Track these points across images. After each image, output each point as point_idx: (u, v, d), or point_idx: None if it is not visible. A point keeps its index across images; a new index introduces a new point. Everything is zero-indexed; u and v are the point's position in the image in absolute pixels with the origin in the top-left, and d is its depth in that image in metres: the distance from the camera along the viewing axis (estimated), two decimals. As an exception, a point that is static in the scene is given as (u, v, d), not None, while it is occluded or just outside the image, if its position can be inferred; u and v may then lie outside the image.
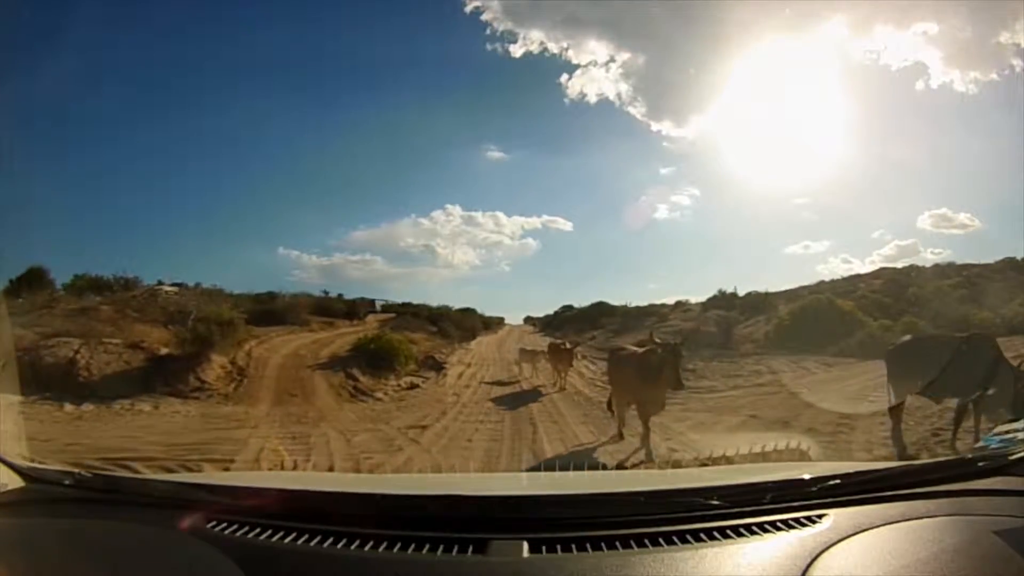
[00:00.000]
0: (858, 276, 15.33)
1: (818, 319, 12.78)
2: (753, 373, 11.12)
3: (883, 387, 9.19)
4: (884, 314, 13.42)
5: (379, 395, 9.90)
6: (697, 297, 15.29)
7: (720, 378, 10.75)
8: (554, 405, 9.33)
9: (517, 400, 9.72)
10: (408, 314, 14.60)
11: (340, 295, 14.68)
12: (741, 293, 15.03)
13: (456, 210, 14.02)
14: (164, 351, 10.59)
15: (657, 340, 7.03)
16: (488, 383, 11.05)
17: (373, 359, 11.00)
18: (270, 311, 13.18)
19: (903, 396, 6.87)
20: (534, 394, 10.22)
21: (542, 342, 13.76)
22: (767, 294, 14.81)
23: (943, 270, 14.92)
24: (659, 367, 6.45)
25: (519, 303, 17.07)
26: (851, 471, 1.79)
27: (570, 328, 15.40)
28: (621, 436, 7.32)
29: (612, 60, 13.18)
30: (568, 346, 11.05)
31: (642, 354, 6.93)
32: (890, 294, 14.40)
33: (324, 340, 12.25)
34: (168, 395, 9.74)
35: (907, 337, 7.70)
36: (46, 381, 9.53)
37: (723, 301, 15.17)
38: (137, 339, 10.92)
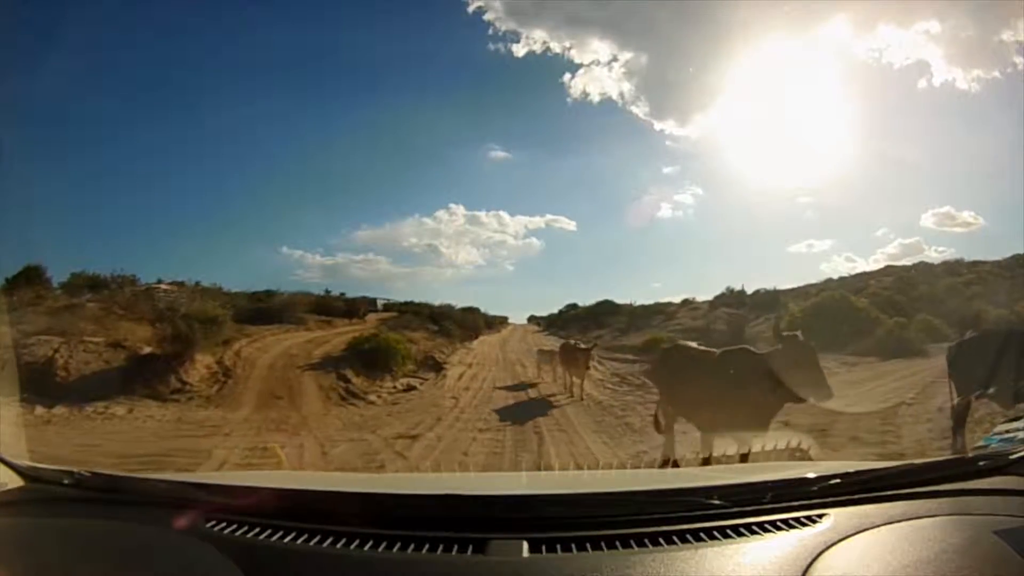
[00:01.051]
0: (867, 274, 14.55)
1: (833, 317, 11.80)
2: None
3: (918, 388, 8.14)
4: (897, 312, 12.82)
5: (372, 398, 8.66)
6: (701, 296, 14.67)
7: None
8: (562, 411, 8.00)
9: (520, 404, 8.43)
10: (409, 312, 13.70)
11: (343, 294, 13.81)
12: (749, 291, 14.21)
13: (460, 209, 13.33)
14: (147, 350, 9.42)
15: (786, 333, 4.74)
16: (490, 385, 9.75)
17: (368, 359, 9.84)
18: (265, 309, 12.15)
19: (968, 399, 5.65)
20: (539, 397, 8.88)
21: (547, 341, 12.86)
22: (776, 292, 13.95)
23: (952, 267, 14.18)
24: (772, 372, 4.22)
25: (523, 302, 16.54)
26: (851, 471, 1.65)
27: (574, 327, 14.53)
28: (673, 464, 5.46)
29: (615, 59, 12.50)
30: (584, 346, 9.38)
31: (735, 355, 4.71)
32: (902, 291, 13.62)
33: (319, 339, 11.10)
34: (147, 397, 8.64)
35: (972, 332, 6.39)
36: (22, 382, 8.37)
37: (731, 299, 14.31)
38: (120, 338, 9.77)
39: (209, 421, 7.48)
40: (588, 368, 9.02)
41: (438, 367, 10.58)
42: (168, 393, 8.70)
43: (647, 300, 14.68)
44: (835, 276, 14.12)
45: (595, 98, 12.51)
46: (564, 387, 9.32)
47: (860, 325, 11.54)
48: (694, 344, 5.71)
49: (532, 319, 16.31)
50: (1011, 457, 1.69)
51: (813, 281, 14.09)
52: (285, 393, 8.49)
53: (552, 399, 8.73)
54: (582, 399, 8.65)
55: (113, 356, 9.44)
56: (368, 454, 5.81)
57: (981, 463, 1.71)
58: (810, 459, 3.94)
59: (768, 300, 13.73)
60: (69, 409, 8.16)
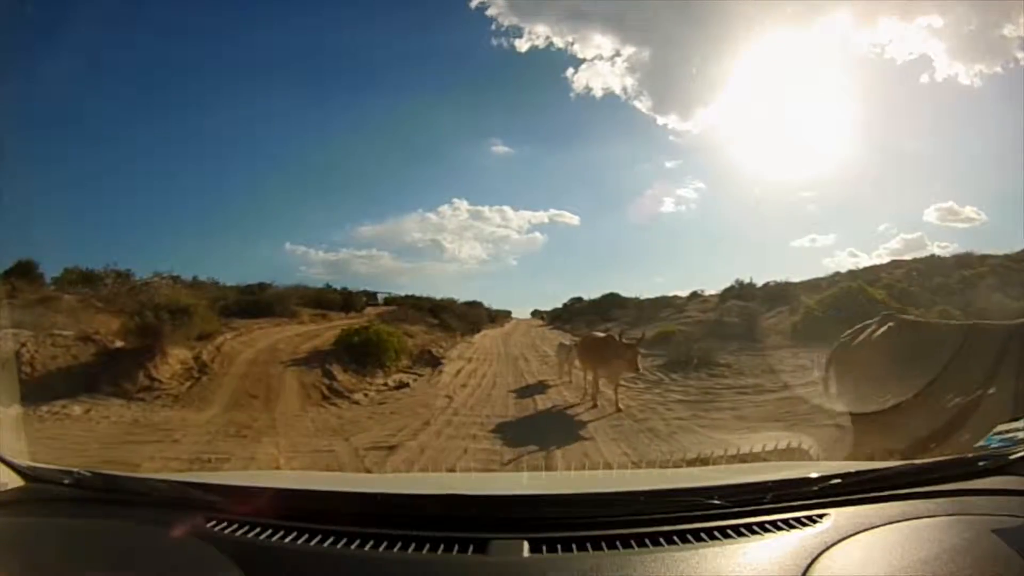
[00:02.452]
0: (878, 267, 13.29)
1: (851, 309, 10.84)
2: (797, 369, 8.44)
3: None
4: (912, 304, 11.35)
5: (357, 396, 7.23)
6: (704, 290, 13.69)
7: (762, 374, 7.99)
8: (572, 414, 6.47)
9: (522, 405, 6.89)
10: (409, 306, 12.57)
11: (345, 289, 12.78)
12: (758, 284, 13.08)
13: (463, 204, 12.39)
14: (118, 344, 8.05)
15: None
16: (489, 382, 8.20)
17: (358, 354, 8.45)
18: (257, 302, 10.85)
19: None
20: (545, 396, 7.31)
21: (551, 335, 11.48)
22: (787, 284, 12.82)
23: (963, 260, 12.86)
24: None
25: (526, 297, 16.02)
26: (852, 470, 1.55)
27: (580, 321, 13.29)
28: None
29: (617, 54, 11.67)
30: (625, 339, 6.67)
31: None
32: (915, 284, 12.35)
33: (310, 333, 9.74)
34: (112, 395, 7.33)
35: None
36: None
37: (741, 292, 13.07)
38: (92, 331, 8.40)
39: (168, 423, 6.10)
40: (638, 369, 6.39)
41: (435, 362, 9.17)
42: (135, 391, 7.36)
43: (650, 294, 13.67)
44: (842, 270, 13.09)
45: (598, 93, 11.71)
46: (586, 393, 7.08)
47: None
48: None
49: (536, 313, 15.41)
50: (1011, 457, 1.57)
51: (818, 275, 13.06)
52: (262, 392, 7.08)
53: (562, 400, 7.11)
54: (618, 409, 6.43)
55: (82, 351, 8.10)
56: (332, 469, 4.32)
57: (981, 463, 1.58)
58: (810, 459, 3.67)
59: (779, 293, 12.56)
60: (24, 409, 6.77)
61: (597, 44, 11.66)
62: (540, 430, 5.56)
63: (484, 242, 12.46)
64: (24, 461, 1.64)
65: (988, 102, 10.70)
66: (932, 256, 13.02)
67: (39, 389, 7.19)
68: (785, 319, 11.26)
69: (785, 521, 1.33)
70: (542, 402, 6.91)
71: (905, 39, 10.71)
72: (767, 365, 8.50)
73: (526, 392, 7.62)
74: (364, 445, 5.02)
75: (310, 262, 12.94)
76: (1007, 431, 2.10)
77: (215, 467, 4.38)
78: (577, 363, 7.63)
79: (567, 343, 8.80)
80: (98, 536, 1.44)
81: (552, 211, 12.41)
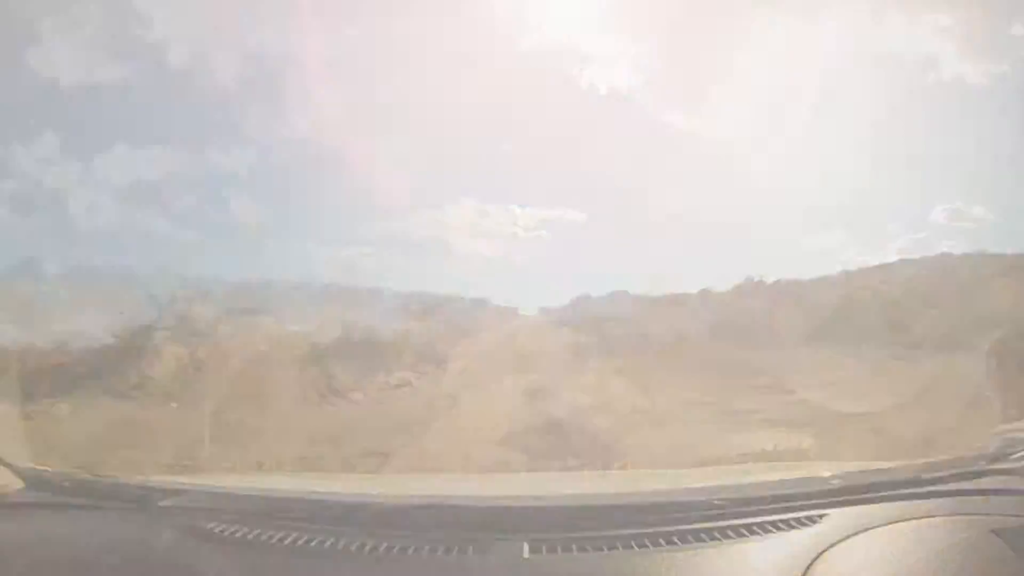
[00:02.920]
0: (887, 266, 12.79)
1: (869, 309, 10.54)
2: (817, 367, 7.74)
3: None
4: (927, 304, 10.64)
5: (356, 396, 6.77)
6: (715, 288, 13.07)
7: (781, 374, 7.39)
8: (587, 417, 5.83)
9: (532, 408, 6.30)
10: (414, 303, 12.04)
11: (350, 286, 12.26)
12: (768, 282, 12.61)
13: (469, 202, 12.12)
14: (111, 340, 7.65)
15: None
16: (494, 382, 7.60)
17: (360, 351, 8.02)
18: (259, 298, 10.29)
19: None
20: (556, 396, 6.72)
21: (559, 333, 10.89)
22: (800, 282, 12.33)
23: (974, 259, 12.32)
24: None
25: (533, 294, 14.89)
26: (851, 471, 1.55)
27: (587, 319, 12.56)
28: None
29: (624, 52, 11.31)
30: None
31: None
32: (927, 283, 11.87)
33: (312, 330, 9.14)
34: (104, 392, 6.94)
35: None
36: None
37: (752, 289, 12.57)
38: (89, 326, 8.01)
39: (150, 424, 5.70)
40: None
41: (439, 360, 8.70)
42: (127, 388, 7.06)
43: (658, 292, 13.06)
44: (851, 269, 12.72)
45: (603, 90, 11.25)
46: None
47: (896, 318, 10.08)
48: None
49: (543, 311, 14.44)
50: (1011, 457, 1.52)
51: (827, 274, 12.73)
52: (255, 391, 6.60)
53: (575, 403, 6.49)
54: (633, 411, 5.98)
55: (75, 347, 7.71)
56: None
57: (981, 463, 1.54)
58: (810, 459, 3.60)
59: (790, 291, 12.10)
60: (10, 407, 6.37)
61: (603, 41, 11.41)
62: (551, 436, 4.99)
63: (490, 240, 12.40)
64: (25, 463, 1.62)
65: (996, 101, 10.35)
66: (943, 255, 12.50)
67: (31, 385, 6.78)
68: (798, 318, 10.72)
69: (785, 521, 1.31)
70: (554, 405, 6.33)
71: (912, 37, 10.66)
72: (790, 365, 7.98)
73: (536, 395, 7.00)
74: (356, 452, 4.51)
75: (315, 259, 12.55)
76: (1007, 430, 2.04)
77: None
78: (595, 364, 7.16)
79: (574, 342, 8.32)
80: (99, 538, 1.42)
81: (559, 209, 12.24)
